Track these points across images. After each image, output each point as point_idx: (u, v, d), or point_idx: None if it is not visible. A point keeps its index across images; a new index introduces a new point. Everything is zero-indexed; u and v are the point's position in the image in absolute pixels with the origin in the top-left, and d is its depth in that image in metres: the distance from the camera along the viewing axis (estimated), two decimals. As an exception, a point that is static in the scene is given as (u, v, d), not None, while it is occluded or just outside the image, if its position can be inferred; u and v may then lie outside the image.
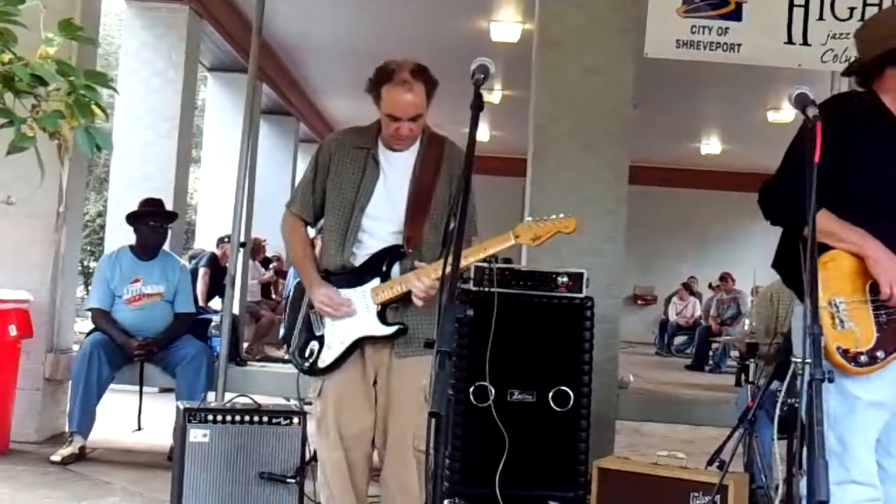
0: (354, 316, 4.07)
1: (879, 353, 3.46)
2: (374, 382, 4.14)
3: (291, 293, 4.41)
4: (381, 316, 4.07)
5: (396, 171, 4.16)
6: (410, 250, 4.08)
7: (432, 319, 3.99)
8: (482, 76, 3.27)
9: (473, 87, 3.20)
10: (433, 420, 2.47)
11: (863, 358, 3.45)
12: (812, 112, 3.09)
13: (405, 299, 4.03)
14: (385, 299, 4.04)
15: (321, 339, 4.14)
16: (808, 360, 2.70)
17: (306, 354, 4.18)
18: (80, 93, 2.65)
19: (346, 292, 4.09)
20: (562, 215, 3.95)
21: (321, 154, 4.28)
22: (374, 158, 4.17)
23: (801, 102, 3.19)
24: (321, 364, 4.13)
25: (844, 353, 3.44)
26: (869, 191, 3.56)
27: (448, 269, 2.83)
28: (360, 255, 4.11)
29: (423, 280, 3.89)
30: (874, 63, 3.65)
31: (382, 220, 4.11)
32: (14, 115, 2.65)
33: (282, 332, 10.27)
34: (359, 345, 4.09)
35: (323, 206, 4.25)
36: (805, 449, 2.66)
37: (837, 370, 3.34)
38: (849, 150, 3.51)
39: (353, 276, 4.11)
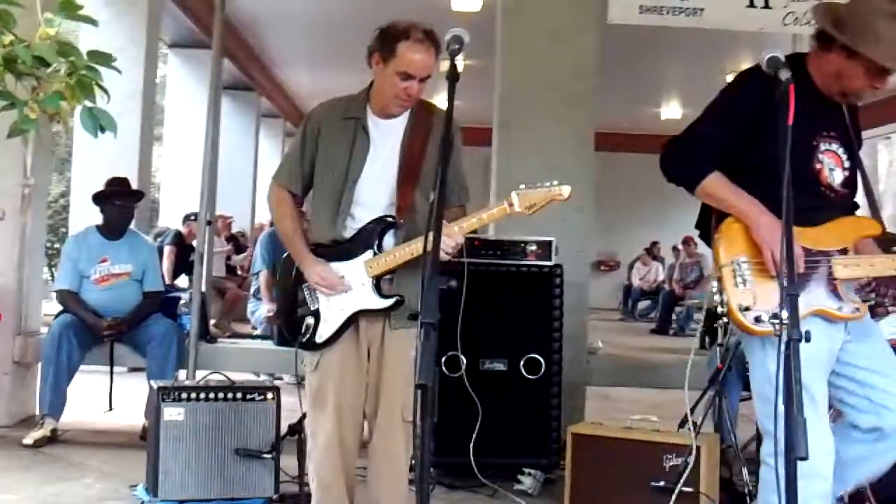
0: (350, 290, 4.03)
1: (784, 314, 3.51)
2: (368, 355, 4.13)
3: (281, 268, 4.35)
4: (377, 288, 4.03)
5: (387, 139, 4.09)
6: (401, 220, 4.03)
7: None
8: (457, 46, 3.34)
9: (449, 58, 3.27)
10: (419, 391, 2.49)
11: (764, 315, 3.49)
12: (785, 75, 3.12)
13: (399, 271, 4.01)
14: (379, 272, 4.01)
15: (316, 314, 4.09)
16: (785, 322, 2.73)
17: (302, 329, 4.10)
18: (81, 73, 2.62)
19: (338, 266, 4.04)
20: (555, 182, 3.90)
21: (309, 125, 4.20)
22: (364, 128, 4.10)
23: (774, 66, 3.23)
24: (318, 339, 4.08)
25: (745, 310, 3.54)
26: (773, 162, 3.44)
27: (430, 239, 2.85)
28: (352, 228, 4.06)
29: (454, 239, 3.82)
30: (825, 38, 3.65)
31: (374, 191, 4.05)
32: (15, 97, 2.62)
33: (248, 308, 10.36)
34: (354, 318, 4.06)
35: (311, 179, 4.19)
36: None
37: (742, 333, 3.60)
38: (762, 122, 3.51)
39: (344, 250, 4.06)
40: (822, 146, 3.67)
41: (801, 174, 3.46)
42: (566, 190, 3.90)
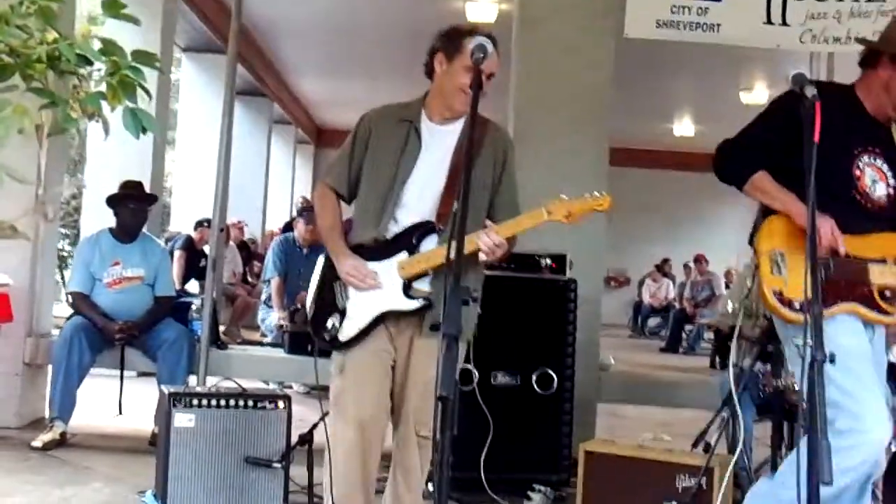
0: (380, 289, 3.98)
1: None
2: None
3: (321, 267, 4.24)
4: (406, 289, 3.98)
5: (439, 146, 4.06)
6: (442, 227, 3.97)
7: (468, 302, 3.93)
8: (482, 55, 3.41)
9: (473, 67, 3.35)
10: (440, 403, 2.47)
11: (796, 304, 3.69)
12: (811, 92, 3.13)
13: (435, 278, 3.94)
14: (411, 273, 3.96)
15: (343, 312, 4.05)
16: (810, 342, 2.71)
17: (328, 327, 4.07)
18: (123, 73, 2.59)
19: (372, 265, 4.00)
20: (596, 193, 3.89)
21: (360, 128, 4.18)
22: (417, 131, 4.08)
23: (799, 82, 3.26)
24: (342, 337, 4.04)
25: (779, 296, 3.73)
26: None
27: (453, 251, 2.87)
28: (394, 231, 4.03)
29: (490, 236, 3.80)
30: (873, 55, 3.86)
31: (421, 196, 4.02)
32: (57, 95, 2.60)
33: (259, 316, 10.32)
34: (383, 320, 4.01)
35: (358, 183, 4.16)
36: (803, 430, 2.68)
37: (775, 317, 3.80)
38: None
39: (382, 249, 4.01)
40: (865, 157, 3.78)
41: (839, 179, 3.71)
42: (607, 200, 3.89)
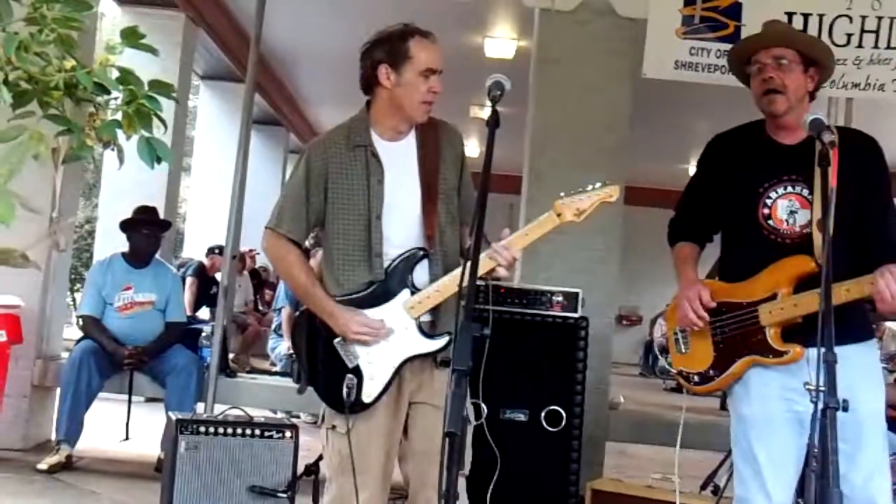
0: (391, 336, 3.62)
1: (713, 372, 3.76)
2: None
3: (293, 328, 3.99)
4: (422, 330, 3.65)
5: (400, 163, 3.71)
6: (431, 250, 3.67)
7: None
8: (499, 93, 3.28)
9: (490, 104, 3.22)
10: (447, 439, 2.45)
11: (696, 377, 3.81)
12: (828, 138, 3.13)
13: (441, 308, 3.67)
14: (423, 312, 3.63)
15: (357, 371, 3.63)
16: (822, 388, 2.68)
17: (344, 393, 3.60)
18: (140, 102, 2.61)
19: (373, 312, 3.63)
20: (598, 184, 3.66)
21: (312, 162, 3.74)
22: (375, 155, 3.70)
23: (817, 128, 3.25)
24: (367, 399, 3.62)
25: (682, 374, 3.86)
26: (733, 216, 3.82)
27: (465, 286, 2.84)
28: (383, 269, 3.65)
29: (510, 251, 3.55)
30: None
31: (401, 224, 3.65)
32: (73, 123, 2.61)
33: (269, 344, 10.32)
34: (400, 368, 3.66)
35: (315, 225, 3.79)
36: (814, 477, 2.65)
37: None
38: (723, 181, 3.82)
39: (377, 294, 3.64)
40: (780, 189, 3.68)
41: (744, 220, 3.70)
42: (615, 190, 3.68)
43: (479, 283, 4.61)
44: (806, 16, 6.68)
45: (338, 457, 3.66)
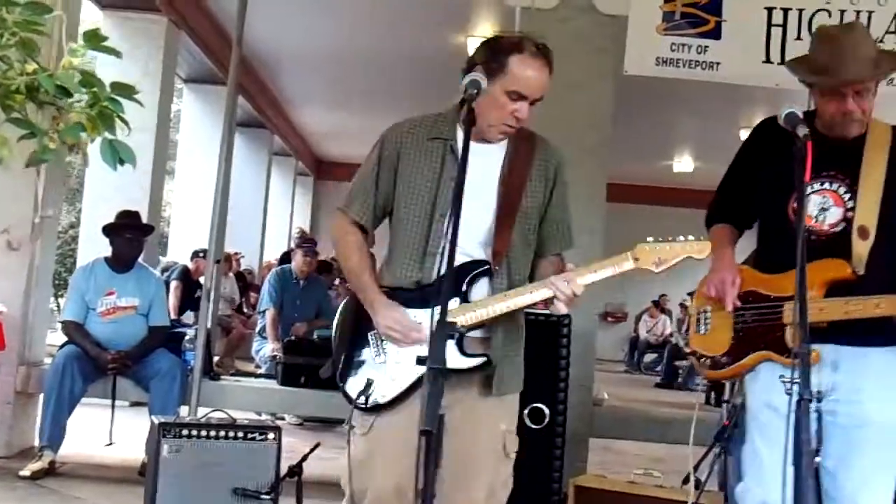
0: (425, 343, 3.15)
1: (725, 359, 3.75)
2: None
3: (341, 311, 3.67)
4: (460, 345, 3.37)
5: (482, 168, 3.40)
6: (497, 267, 3.42)
7: (520, 353, 3.65)
8: (475, 91, 3.14)
9: (466, 103, 3.13)
10: (424, 437, 2.44)
11: (708, 361, 3.80)
12: (802, 132, 3.12)
13: (491, 328, 3.45)
14: (467, 324, 3.35)
15: (381, 369, 3.45)
16: (797, 380, 2.69)
17: (361, 387, 3.44)
18: (103, 104, 2.60)
19: (415, 313, 3.40)
20: (691, 237, 3.40)
21: (385, 147, 3.55)
22: (454, 151, 3.45)
23: (792, 122, 3.24)
24: (382, 399, 3.42)
25: (696, 354, 3.86)
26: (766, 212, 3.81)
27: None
28: (437, 270, 3.36)
29: (574, 285, 3.28)
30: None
31: (466, 228, 3.16)
32: (36, 127, 2.60)
33: (253, 347, 10.30)
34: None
35: (385, 211, 3.59)
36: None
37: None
38: (760, 170, 3.78)
39: (426, 295, 3.35)
40: (814, 185, 3.62)
41: (774, 216, 3.67)
42: (706, 247, 3.41)
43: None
44: (786, 10, 6.73)
45: (354, 460, 3.49)
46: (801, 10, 6.59)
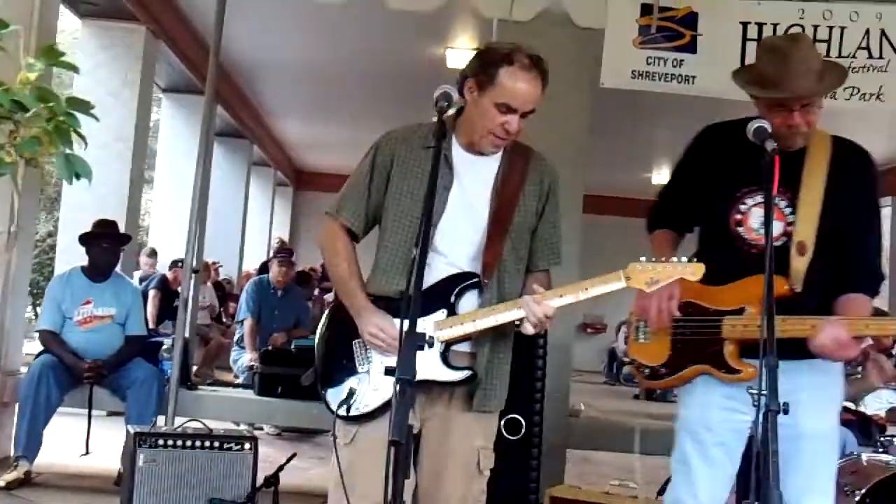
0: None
1: (664, 371, 3.71)
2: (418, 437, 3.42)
3: (325, 318, 3.64)
4: (444, 357, 3.36)
5: (475, 178, 3.44)
6: (486, 280, 3.38)
7: (506, 371, 3.61)
8: (445, 104, 3.14)
9: (437, 115, 3.10)
10: (392, 448, 2.45)
11: (647, 370, 3.76)
12: (770, 146, 3.14)
13: (477, 341, 3.42)
14: (451, 337, 3.34)
15: (363, 378, 3.40)
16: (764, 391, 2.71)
17: (343, 396, 3.39)
18: (59, 119, 2.62)
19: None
20: (684, 259, 3.33)
21: (379, 154, 3.51)
22: (448, 159, 3.42)
23: (760, 136, 3.26)
24: (364, 409, 3.38)
25: (635, 363, 3.82)
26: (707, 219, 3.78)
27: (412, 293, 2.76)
28: (427, 280, 3.16)
29: (542, 306, 3.26)
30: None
31: (457, 239, 3.34)
32: None
33: (231, 356, 10.30)
34: None
35: (376, 218, 3.53)
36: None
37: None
38: (704, 176, 3.73)
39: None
40: (757, 196, 3.59)
41: (717, 225, 3.59)
42: (700, 269, 3.32)
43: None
44: (760, 25, 6.77)
45: (334, 470, 3.42)
46: (775, 25, 6.64)
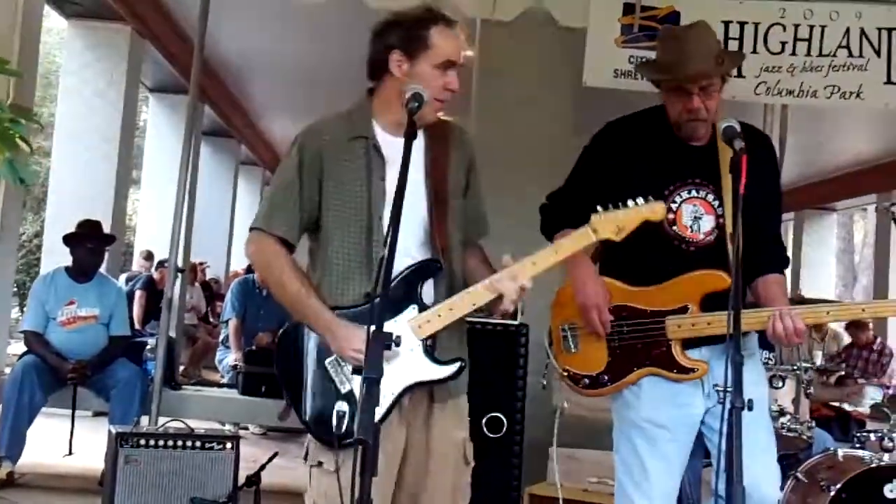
0: (394, 359, 3.04)
1: (606, 377, 3.64)
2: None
3: (280, 347, 3.31)
4: (430, 354, 3.17)
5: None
6: (444, 264, 3.22)
7: (465, 341, 3.38)
8: (416, 104, 3.03)
9: (407, 115, 3.01)
10: (360, 447, 2.45)
11: (586, 380, 3.67)
12: (738, 145, 3.15)
13: (449, 328, 3.21)
14: (431, 332, 3.16)
15: (351, 398, 3.10)
16: (729, 389, 2.73)
17: (334, 422, 3.08)
18: (4, 125, 2.64)
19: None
20: (640, 200, 3.24)
21: (305, 154, 3.25)
22: (377, 148, 3.23)
23: (729, 136, 3.27)
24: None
25: (569, 374, 3.70)
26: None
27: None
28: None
29: (519, 280, 3.10)
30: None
31: (404, 228, 2.93)
32: None
33: (217, 356, 10.29)
34: (402, 396, 3.14)
35: (309, 224, 3.27)
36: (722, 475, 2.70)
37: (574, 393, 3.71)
38: (619, 178, 3.61)
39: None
40: (684, 192, 3.61)
41: (651, 228, 3.37)
42: (661, 207, 3.27)
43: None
44: (742, 24, 6.78)
45: (323, 499, 3.13)
46: (756, 24, 6.65)
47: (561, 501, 4.75)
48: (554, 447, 4.50)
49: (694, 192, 3.62)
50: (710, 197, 3.61)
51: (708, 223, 3.61)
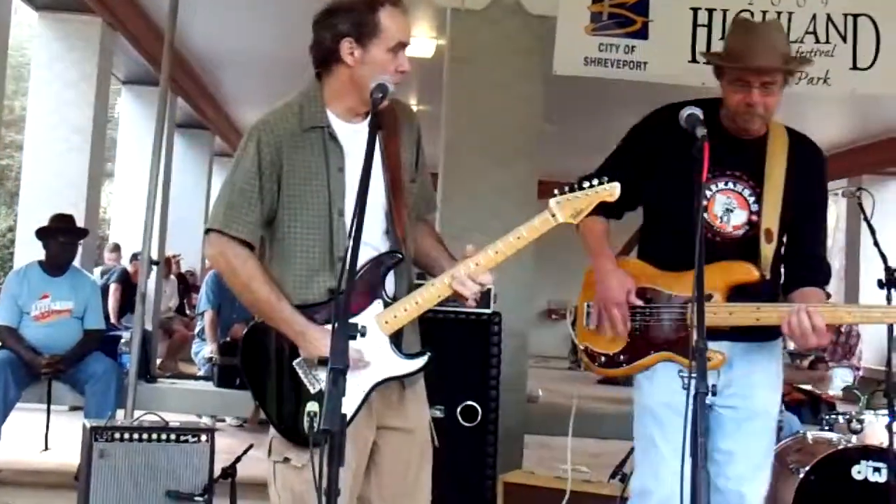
0: (364, 356, 3.04)
1: (623, 358, 3.69)
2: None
3: (244, 352, 3.26)
4: (398, 348, 3.14)
5: (360, 149, 2.96)
6: (403, 252, 3.19)
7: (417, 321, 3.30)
8: (380, 95, 3.00)
9: (371, 107, 2.98)
10: (327, 436, 2.45)
11: (603, 358, 3.73)
12: (701, 132, 3.17)
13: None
14: (398, 327, 3.14)
15: (319, 397, 3.03)
16: (694, 374, 2.75)
17: (305, 422, 3.07)
18: None
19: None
20: (595, 181, 3.16)
21: (262, 148, 3.14)
22: (334, 137, 3.17)
23: (691, 123, 3.28)
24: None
25: (587, 351, 3.77)
26: (665, 206, 3.74)
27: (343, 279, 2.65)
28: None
29: (480, 276, 3.09)
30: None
31: (367, 218, 2.82)
32: None
33: (193, 349, 10.27)
34: (370, 392, 3.11)
35: (267, 220, 3.19)
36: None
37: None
38: (660, 161, 3.71)
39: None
40: (720, 184, 3.64)
41: (680, 213, 3.41)
42: (616, 188, 3.15)
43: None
44: (710, 11, 6.83)
45: (289, 494, 3.10)
46: (725, 11, 6.69)
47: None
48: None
49: (731, 185, 3.65)
50: (747, 192, 3.64)
51: (738, 218, 3.63)
